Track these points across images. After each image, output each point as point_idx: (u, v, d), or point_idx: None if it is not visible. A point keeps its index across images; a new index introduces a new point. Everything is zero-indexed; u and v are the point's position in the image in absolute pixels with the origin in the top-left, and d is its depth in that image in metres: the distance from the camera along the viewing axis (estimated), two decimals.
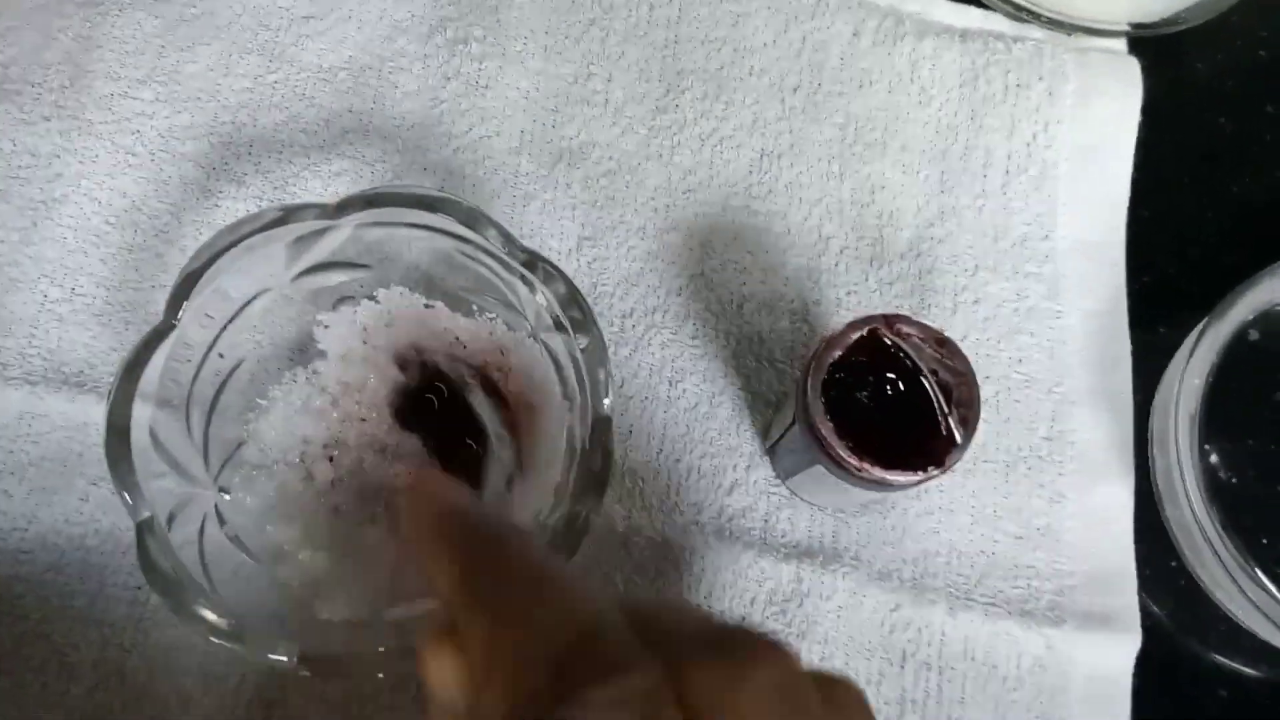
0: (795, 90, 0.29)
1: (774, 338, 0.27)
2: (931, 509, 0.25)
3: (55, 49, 0.28)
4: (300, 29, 0.28)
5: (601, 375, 0.21)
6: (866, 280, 0.27)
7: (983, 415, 0.23)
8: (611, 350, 0.26)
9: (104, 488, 0.24)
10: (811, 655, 0.24)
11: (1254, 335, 0.26)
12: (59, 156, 0.27)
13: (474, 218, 0.21)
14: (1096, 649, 0.24)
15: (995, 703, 0.24)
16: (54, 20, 0.28)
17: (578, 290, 0.21)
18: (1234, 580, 0.25)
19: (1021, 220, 0.28)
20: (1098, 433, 0.27)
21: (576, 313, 0.21)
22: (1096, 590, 0.25)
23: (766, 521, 0.25)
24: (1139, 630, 0.25)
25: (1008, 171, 0.29)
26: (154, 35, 0.28)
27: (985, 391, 0.26)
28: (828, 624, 0.24)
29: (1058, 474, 0.26)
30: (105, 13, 0.28)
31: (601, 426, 0.20)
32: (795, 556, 0.25)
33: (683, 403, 0.26)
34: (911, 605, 0.24)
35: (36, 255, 0.26)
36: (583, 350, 0.21)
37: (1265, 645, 0.26)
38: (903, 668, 0.24)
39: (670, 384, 0.26)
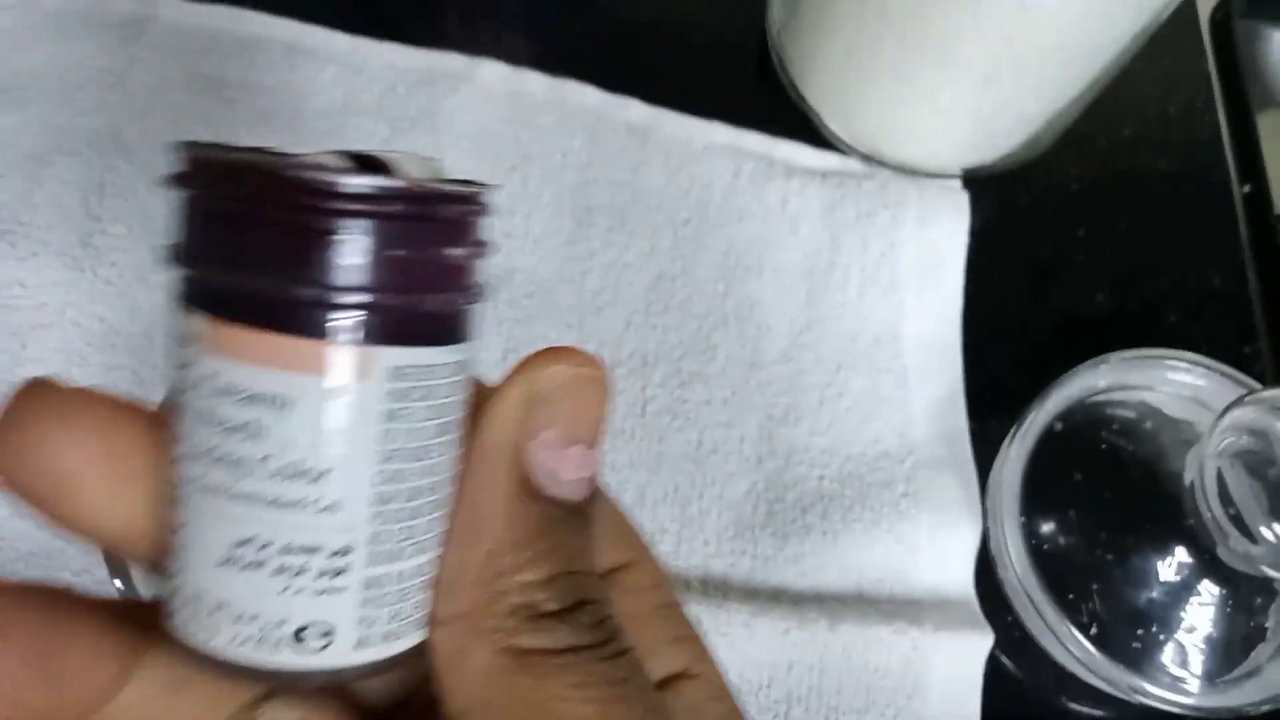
0: (686, 223, 0.34)
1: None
2: (804, 558, 0.30)
3: (41, 193, 0.32)
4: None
5: None
6: (747, 382, 0.32)
7: (845, 486, 0.28)
8: None
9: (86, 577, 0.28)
10: None
11: (1058, 426, 0.31)
12: (44, 287, 0.31)
13: None
14: (955, 641, 0.29)
15: (868, 690, 0.28)
16: (41, 169, 0.33)
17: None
18: (1053, 632, 0.29)
19: (874, 324, 0.33)
20: (946, 493, 0.31)
21: None
22: (950, 607, 0.30)
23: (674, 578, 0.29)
24: (990, 631, 0.29)
25: (862, 284, 0.34)
26: (126, 180, 0.32)
27: (849, 466, 0.31)
28: (724, 654, 0.28)
29: (915, 527, 0.30)
30: (88, 161, 0.32)
31: None
32: (693, 598, 0.28)
33: None
34: (798, 629, 0.28)
35: (27, 375, 0.30)
36: None
37: (1085, 685, 0.30)
38: (789, 671, 0.28)
39: None
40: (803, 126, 0.36)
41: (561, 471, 0.12)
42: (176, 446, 0.12)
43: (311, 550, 0.11)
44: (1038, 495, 0.30)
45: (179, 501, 0.12)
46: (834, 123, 0.36)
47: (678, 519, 0.30)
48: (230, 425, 0.11)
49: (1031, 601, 0.29)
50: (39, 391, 0.12)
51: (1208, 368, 0.30)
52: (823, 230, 0.34)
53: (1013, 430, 0.31)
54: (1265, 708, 0.28)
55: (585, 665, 0.12)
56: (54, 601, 0.13)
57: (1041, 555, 0.30)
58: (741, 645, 0.28)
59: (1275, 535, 0.26)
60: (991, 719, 0.29)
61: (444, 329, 0.12)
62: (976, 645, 0.29)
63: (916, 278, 0.34)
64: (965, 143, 0.34)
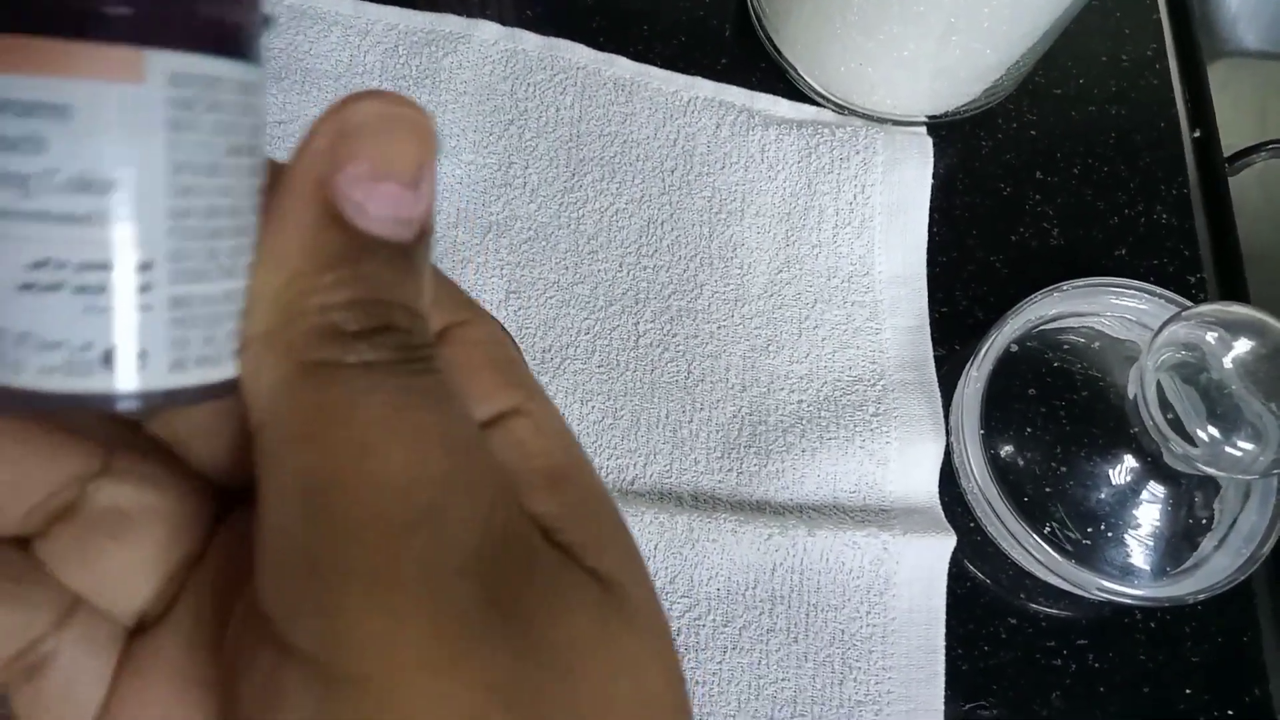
0: (673, 172, 0.37)
1: (661, 362, 0.34)
2: (785, 473, 0.33)
3: None
4: (270, 133, 0.35)
5: None
6: (731, 316, 0.35)
7: (822, 408, 0.31)
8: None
9: None
10: (701, 577, 0.31)
11: (1014, 349, 0.34)
12: None
13: None
14: (921, 543, 0.32)
15: (843, 588, 0.31)
16: None
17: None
18: (1011, 535, 0.32)
19: (847, 262, 0.36)
20: (913, 411, 0.34)
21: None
22: (917, 513, 0.33)
23: (662, 496, 0.32)
24: (953, 534, 0.32)
25: (836, 225, 0.36)
26: None
27: (825, 390, 0.34)
28: (715, 557, 0.31)
29: (885, 443, 0.33)
30: None
31: None
32: (685, 510, 0.31)
33: (591, 417, 0.33)
34: (780, 534, 0.31)
35: None
36: None
37: (1042, 583, 0.33)
38: (772, 574, 0.31)
39: (581, 403, 0.33)
40: (780, 80, 0.39)
41: (370, 205, 0.12)
42: None
43: (109, 266, 0.11)
44: (996, 412, 0.33)
45: None
46: (809, 75, 0.38)
47: (670, 441, 0.33)
48: (10, 140, 0.11)
49: (991, 508, 0.32)
50: None
51: (1149, 293, 0.33)
52: (799, 176, 0.37)
53: (973, 354, 0.34)
54: (1203, 596, 0.31)
55: (378, 376, 0.12)
56: None
57: (1000, 466, 0.33)
58: (730, 551, 0.31)
59: (1210, 436, 0.29)
60: (955, 614, 0.32)
61: (224, 40, 0.12)
62: (941, 547, 0.32)
63: (886, 218, 0.37)
64: (928, 92, 0.37)
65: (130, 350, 0.11)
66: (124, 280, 0.11)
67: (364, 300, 0.12)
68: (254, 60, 0.12)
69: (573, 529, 0.13)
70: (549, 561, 0.13)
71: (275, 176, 0.13)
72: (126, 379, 0.11)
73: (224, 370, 0.12)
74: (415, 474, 0.12)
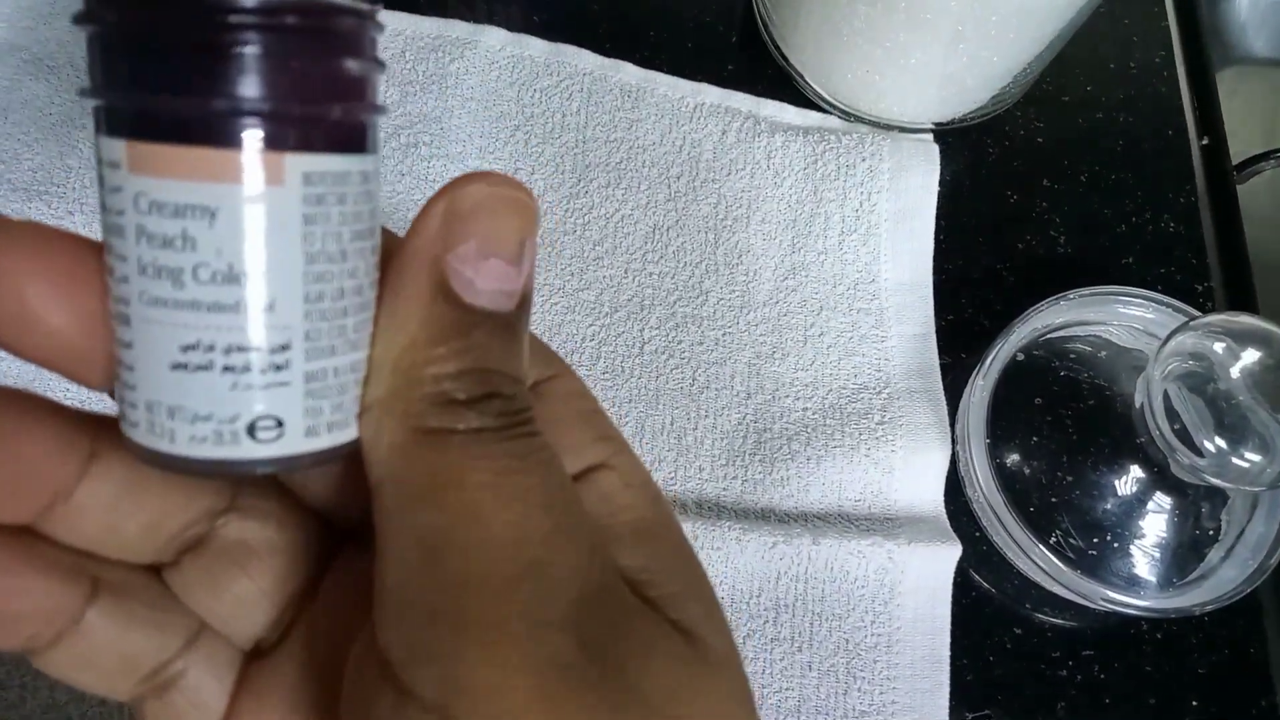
0: (679, 178, 0.37)
1: (666, 369, 0.34)
2: (789, 481, 0.33)
3: (74, 156, 0.34)
4: None
5: None
6: (737, 323, 0.35)
7: (827, 416, 0.31)
8: None
9: None
10: None
11: (1020, 357, 0.34)
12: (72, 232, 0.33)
13: None
14: (926, 553, 0.31)
15: (848, 597, 0.31)
16: (73, 132, 0.35)
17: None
18: (1017, 544, 0.32)
19: (853, 269, 0.36)
20: (919, 420, 0.34)
21: None
22: (923, 522, 0.33)
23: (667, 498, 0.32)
24: (958, 544, 0.32)
25: (842, 232, 0.36)
26: None
27: (830, 398, 0.34)
28: (719, 565, 0.31)
29: (890, 451, 0.33)
30: None
31: None
32: (689, 518, 0.31)
33: None
34: (784, 542, 0.31)
35: None
36: None
37: (1048, 593, 0.33)
38: (777, 582, 0.31)
39: None
40: (786, 86, 0.39)
41: (478, 281, 0.13)
42: (116, 270, 0.12)
43: (253, 349, 0.12)
44: (1002, 421, 0.33)
45: (124, 321, 0.12)
46: (815, 82, 0.38)
47: (674, 448, 0.33)
48: (163, 238, 0.12)
49: (997, 517, 0.32)
50: None
51: (1155, 302, 0.33)
52: (805, 183, 0.37)
53: (980, 363, 0.33)
54: (1210, 607, 0.31)
55: (487, 442, 0.13)
56: (11, 400, 0.13)
57: (1006, 475, 0.32)
58: (734, 559, 0.31)
59: (1217, 447, 0.29)
60: (960, 624, 0.32)
61: (349, 138, 0.13)
62: (946, 556, 0.32)
63: (892, 225, 0.37)
64: (936, 99, 0.37)
65: (270, 421, 0.13)
66: (265, 360, 0.12)
67: (472, 370, 0.13)
68: (372, 150, 0.13)
69: (659, 582, 0.14)
70: (638, 613, 0.14)
71: (390, 249, 0.14)
72: (267, 447, 0.13)
73: (349, 433, 0.14)
74: (519, 533, 0.13)
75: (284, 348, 0.12)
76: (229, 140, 0.12)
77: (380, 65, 0.13)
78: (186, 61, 0.11)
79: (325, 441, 0.13)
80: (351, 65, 0.13)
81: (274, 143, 0.12)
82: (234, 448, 0.12)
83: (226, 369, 0.12)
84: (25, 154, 0.34)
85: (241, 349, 0.12)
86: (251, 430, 0.12)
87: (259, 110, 0.12)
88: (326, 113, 0.12)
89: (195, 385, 0.12)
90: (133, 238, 0.12)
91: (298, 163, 0.12)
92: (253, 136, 0.12)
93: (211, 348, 0.12)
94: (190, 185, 0.12)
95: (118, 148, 0.12)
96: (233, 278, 0.12)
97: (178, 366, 0.12)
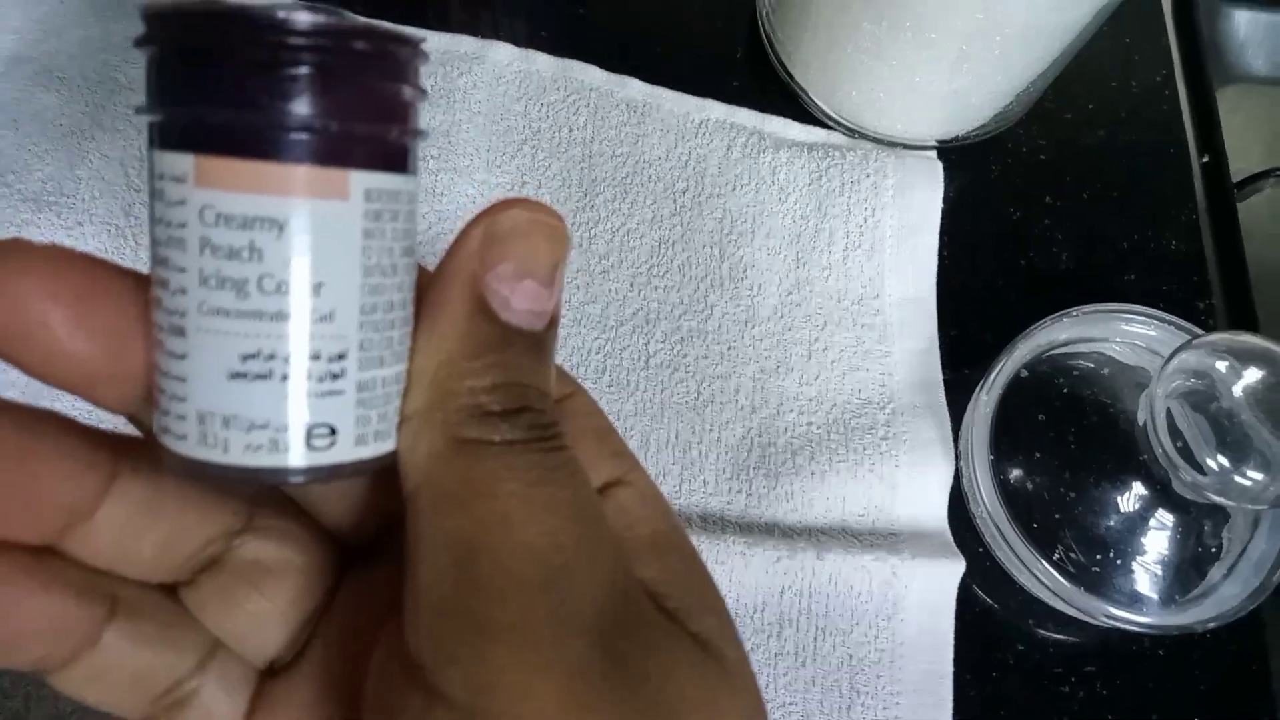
0: (684, 193, 0.37)
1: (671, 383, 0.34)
2: (794, 495, 0.33)
3: (84, 166, 0.35)
4: None
5: None
6: (741, 338, 0.35)
7: (831, 430, 0.31)
8: None
9: None
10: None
11: (1024, 374, 0.34)
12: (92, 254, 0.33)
13: None
14: (930, 568, 0.31)
15: (851, 612, 0.31)
16: (83, 143, 0.35)
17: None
18: (1020, 560, 0.32)
19: (858, 284, 0.36)
20: (923, 435, 0.34)
21: None
22: (926, 538, 0.33)
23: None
24: (962, 559, 0.32)
25: (846, 247, 0.37)
26: None
27: (835, 413, 0.34)
28: (723, 579, 0.31)
29: (894, 466, 0.33)
30: (126, 136, 0.35)
31: None
32: (693, 532, 0.31)
33: None
34: (788, 557, 0.31)
35: None
36: None
37: (1050, 609, 0.33)
38: (780, 597, 0.31)
39: None
40: (791, 102, 0.39)
41: (514, 300, 0.14)
42: (171, 282, 0.12)
43: (314, 357, 0.13)
44: (1006, 437, 0.33)
45: (178, 333, 0.12)
46: (820, 99, 0.38)
47: (679, 462, 0.33)
48: (229, 249, 0.12)
49: (1000, 532, 0.32)
50: (12, 249, 0.12)
51: (1158, 319, 0.33)
52: (810, 198, 0.37)
53: (983, 379, 0.34)
54: (1212, 624, 0.31)
55: (519, 453, 0.13)
56: (32, 419, 0.13)
57: (1009, 491, 0.33)
58: (738, 573, 0.31)
59: (1219, 465, 0.29)
60: (963, 639, 0.32)
61: (402, 158, 0.13)
62: (950, 572, 0.32)
63: (896, 241, 0.37)
64: (940, 116, 0.37)
65: (324, 429, 0.13)
66: (323, 368, 0.13)
67: (506, 384, 0.14)
68: (414, 171, 0.14)
69: (676, 595, 0.15)
70: (659, 624, 0.14)
71: (425, 271, 0.14)
72: (319, 455, 0.13)
73: (390, 443, 0.14)
74: (549, 542, 0.13)
75: (340, 356, 0.13)
76: (300, 155, 0.12)
77: (424, 92, 0.14)
78: (263, 81, 0.12)
79: (370, 450, 0.13)
80: (406, 90, 0.13)
81: (341, 159, 0.12)
82: (287, 455, 0.13)
83: (285, 377, 0.12)
84: (36, 164, 0.34)
85: (302, 357, 0.12)
86: (307, 437, 0.13)
87: (328, 128, 0.12)
88: (386, 132, 0.13)
89: (254, 394, 0.12)
90: (195, 249, 0.12)
91: (361, 179, 0.13)
92: (321, 153, 0.12)
93: (272, 356, 0.12)
94: (260, 198, 0.12)
95: (184, 162, 0.12)
96: (296, 288, 0.12)
97: (236, 376, 0.12)
